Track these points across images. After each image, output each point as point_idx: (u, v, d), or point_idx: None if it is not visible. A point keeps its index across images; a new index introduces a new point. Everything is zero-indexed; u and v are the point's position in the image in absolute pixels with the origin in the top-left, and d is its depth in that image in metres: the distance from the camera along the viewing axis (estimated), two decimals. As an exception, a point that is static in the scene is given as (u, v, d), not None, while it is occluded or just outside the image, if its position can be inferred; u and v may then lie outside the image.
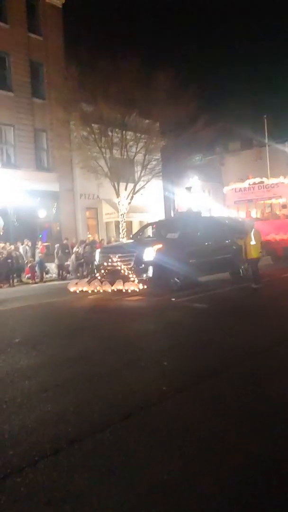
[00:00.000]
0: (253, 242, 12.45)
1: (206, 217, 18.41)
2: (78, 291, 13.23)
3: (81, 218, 28.24)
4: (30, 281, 20.22)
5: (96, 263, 14.10)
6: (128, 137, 25.54)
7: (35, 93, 25.59)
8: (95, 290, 12.78)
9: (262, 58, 75.62)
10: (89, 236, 27.34)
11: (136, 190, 25.95)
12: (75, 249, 21.44)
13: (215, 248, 14.20)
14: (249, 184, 19.30)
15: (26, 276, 20.75)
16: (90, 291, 12.89)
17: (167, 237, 14.00)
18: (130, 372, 5.58)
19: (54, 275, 22.05)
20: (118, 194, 25.58)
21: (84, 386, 5.12)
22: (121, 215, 25.79)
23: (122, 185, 25.68)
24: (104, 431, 3.89)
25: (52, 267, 22.27)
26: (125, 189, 25.79)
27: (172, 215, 27.56)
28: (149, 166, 26.48)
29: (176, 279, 12.66)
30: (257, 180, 19.11)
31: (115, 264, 12.70)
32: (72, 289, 13.47)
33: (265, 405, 4.29)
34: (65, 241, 22.91)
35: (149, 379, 5.21)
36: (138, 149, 25.91)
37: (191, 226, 14.23)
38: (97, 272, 13.45)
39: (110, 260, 12.83)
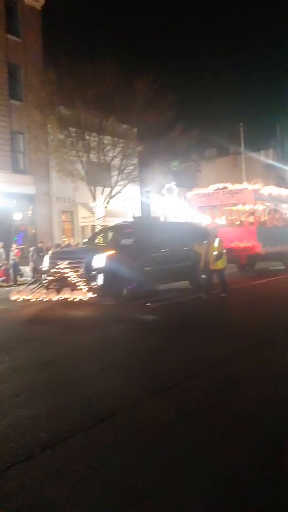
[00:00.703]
0: (215, 252, 11.96)
1: (165, 222, 17.98)
2: (20, 300, 12.16)
3: (57, 222, 28.09)
4: (4, 284, 20.01)
5: (44, 269, 13.15)
6: (105, 141, 25.56)
7: (12, 95, 25.38)
8: (39, 299, 11.82)
9: (239, 68, 76.62)
10: (65, 239, 27.21)
11: (112, 194, 25.97)
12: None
13: (174, 255, 13.51)
14: (213, 190, 18.76)
15: (0, 279, 20.52)
16: (34, 300, 11.89)
17: (121, 243, 13.46)
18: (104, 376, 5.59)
19: (28, 278, 21.86)
20: (94, 198, 25.55)
21: (56, 391, 5.10)
22: (97, 219, 25.75)
23: (99, 189, 25.66)
24: (77, 436, 3.87)
25: (27, 270, 22.08)
26: (102, 193, 25.78)
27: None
28: (126, 171, 26.53)
29: (129, 287, 11.98)
30: (221, 185, 18.52)
31: (63, 270, 11.84)
32: (13, 297, 12.33)
33: (235, 409, 4.34)
34: (40, 244, 22.74)
35: (121, 384, 5.22)
36: (115, 154, 25.95)
37: (148, 232, 13.69)
38: (43, 279, 12.46)
39: (58, 266, 11.97)
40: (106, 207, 25.88)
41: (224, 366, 5.77)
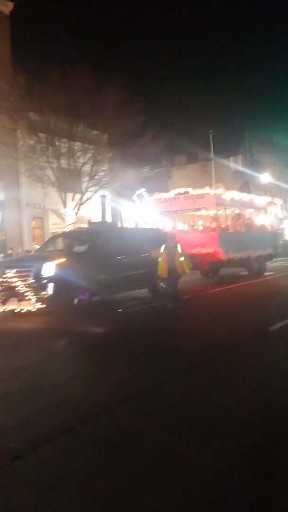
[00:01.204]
0: (182, 258, 11.32)
1: (123, 228, 17.20)
2: None
3: (27, 228, 27.81)
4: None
5: None
6: (75, 147, 25.47)
7: (-20, 100, 25.02)
8: None
9: (209, 76, 77.69)
10: (35, 246, 26.94)
11: (83, 200, 25.87)
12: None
13: (131, 263, 12.87)
14: (175, 195, 18.28)
15: None
16: None
17: (74, 250, 12.83)
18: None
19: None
20: (65, 204, 25.40)
21: (25, 399, 5.02)
22: (67, 225, 25.59)
23: (69, 196, 25.53)
24: (47, 444, 3.80)
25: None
26: (72, 199, 25.66)
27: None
28: (96, 177, 26.50)
29: (81, 297, 11.26)
30: (182, 190, 18.04)
31: (10, 280, 11.01)
32: None
33: (214, 406, 4.35)
34: (9, 251, 22.45)
35: (92, 390, 5.17)
36: (85, 160, 25.89)
37: (103, 239, 12.95)
38: None
39: (5, 275, 11.15)
40: (76, 213, 25.76)
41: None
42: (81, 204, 25.76)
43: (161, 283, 12.89)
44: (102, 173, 27.03)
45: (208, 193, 17.21)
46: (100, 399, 4.88)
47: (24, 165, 25.08)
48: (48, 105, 22.88)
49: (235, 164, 43.22)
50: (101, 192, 27.04)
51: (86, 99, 23.46)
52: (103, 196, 24.18)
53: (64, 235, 16.97)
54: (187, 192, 17.78)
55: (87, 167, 26.05)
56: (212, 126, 38.27)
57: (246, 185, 24.81)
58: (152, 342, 7.76)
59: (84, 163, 25.85)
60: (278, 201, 23.52)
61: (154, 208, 19.13)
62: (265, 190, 44.45)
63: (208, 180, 34.66)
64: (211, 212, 18.45)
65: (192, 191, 17.59)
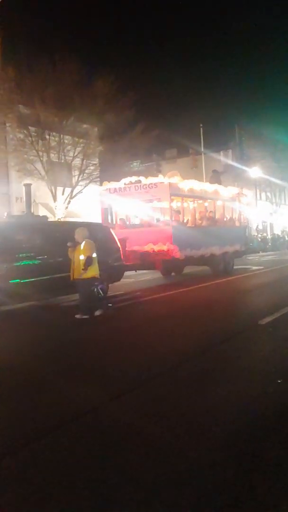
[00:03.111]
0: (82, 257, 9.49)
1: (51, 223, 14.60)
2: None
3: (17, 222, 27.64)
4: None
5: None
6: (65, 141, 25.39)
7: None
8: None
9: (199, 69, 77.50)
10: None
11: (73, 194, 25.80)
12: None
13: (55, 264, 10.69)
14: (125, 184, 16.05)
15: None
16: None
17: None
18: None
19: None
20: (55, 199, 25.31)
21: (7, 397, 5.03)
22: (57, 219, 25.51)
23: (59, 190, 25.43)
24: (38, 441, 3.85)
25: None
26: (62, 193, 25.57)
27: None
28: (86, 171, 26.44)
29: None
30: (134, 179, 15.93)
31: None
32: None
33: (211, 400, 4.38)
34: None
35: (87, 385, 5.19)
36: (75, 154, 25.82)
37: (18, 235, 10.85)
38: None
39: None
40: (67, 208, 25.68)
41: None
42: (71, 198, 25.68)
43: (98, 287, 10.78)
44: (92, 167, 26.96)
45: (161, 182, 15.23)
46: (93, 394, 4.91)
47: (14, 158, 24.93)
48: (38, 98, 22.77)
49: (225, 158, 43.24)
50: (93, 185, 26.82)
51: (76, 92, 23.39)
52: (27, 185, 21.46)
53: None
54: (139, 181, 15.70)
55: (77, 161, 25.98)
56: (202, 120, 38.23)
57: (216, 174, 22.40)
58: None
59: (74, 157, 25.78)
60: (248, 192, 21.51)
61: (103, 199, 17.08)
62: (255, 184, 44.60)
63: (198, 173, 34.68)
64: (176, 205, 16.17)
65: (144, 180, 15.61)
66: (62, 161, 25.48)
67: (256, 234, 42.05)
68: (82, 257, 9.50)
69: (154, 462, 3.40)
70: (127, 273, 14.68)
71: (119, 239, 13.42)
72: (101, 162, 27.85)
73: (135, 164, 36.78)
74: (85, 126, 25.89)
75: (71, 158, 25.74)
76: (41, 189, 25.90)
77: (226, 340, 7.07)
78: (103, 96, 24.06)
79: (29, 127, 24.17)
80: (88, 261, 9.49)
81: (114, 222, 17.04)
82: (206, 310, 10.07)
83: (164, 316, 9.61)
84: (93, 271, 9.73)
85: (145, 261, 14.94)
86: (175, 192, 15.41)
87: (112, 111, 24.45)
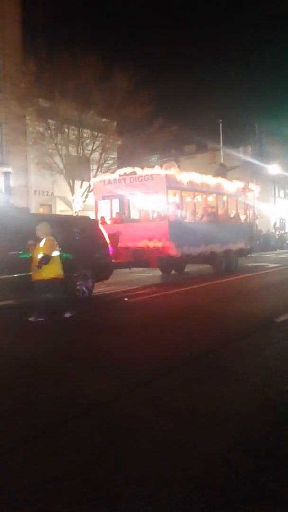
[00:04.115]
0: (40, 255, 8.64)
1: (29, 215, 13.59)
2: None
3: (35, 215, 27.85)
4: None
5: None
6: (84, 134, 25.45)
7: (-10, 85, 25.00)
8: None
9: (219, 65, 76.97)
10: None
11: (91, 188, 25.86)
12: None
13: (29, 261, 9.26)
14: (120, 175, 15.27)
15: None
16: None
17: None
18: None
19: None
20: (73, 192, 25.41)
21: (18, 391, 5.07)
22: (75, 212, 25.62)
23: (77, 183, 25.52)
24: (49, 434, 3.89)
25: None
26: (80, 187, 25.66)
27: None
28: (105, 165, 26.47)
29: None
30: (129, 170, 15.24)
31: None
32: None
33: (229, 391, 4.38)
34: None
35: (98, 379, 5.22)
36: (94, 147, 25.88)
37: None
38: None
39: None
40: (84, 201, 25.77)
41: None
42: (89, 191, 25.76)
43: (81, 286, 10.49)
44: (110, 161, 26.99)
45: (158, 174, 14.37)
46: (106, 388, 4.94)
47: (33, 151, 25.11)
48: (58, 92, 22.85)
49: (244, 155, 42.95)
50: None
51: (96, 86, 23.40)
52: (6, 173, 20.80)
53: None
54: (134, 173, 14.91)
55: (95, 155, 26.03)
56: (222, 116, 38.05)
57: (223, 168, 21.25)
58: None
59: (93, 151, 25.84)
60: (255, 187, 20.07)
61: (97, 191, 16.35)
62: (274, 181, 44.22)
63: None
64: (160, 197, 14.74)
65: (140, 171, 14.83)
66: (81, 154, 25.56)
67: (274, 231, 41.71)
68: (40, 255, 8.65)
69: (166, 458, 3.40)
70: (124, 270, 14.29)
71: (110, 234, 12.76)
72: (119, 156, 27.86)
73: (153, 159, 36.72)
74: (104, 120, 25.92)
75: (89, 152, 25.80)
76: (59, 182, 26.02)
77: (241, 337, 7.04)
78: (123, 90, 24.04)
79: (49, 121, 24.30)
80: (44, 260, 8.54)
81: (109, 216, 16.35)
82: (222, 307, 10.03)
83: (177, 312, 9.56)
84: (53, 272, 8.73)
85: (139, 258, 14.17)
86: (172, 185, 14.65)
87: (131, 106, 24.42)
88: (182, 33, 77.31)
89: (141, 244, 14.06)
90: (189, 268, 18.14)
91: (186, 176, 15.19)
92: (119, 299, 11.49)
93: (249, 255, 19.53)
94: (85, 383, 5.10)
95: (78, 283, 10.74)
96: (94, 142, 25.83)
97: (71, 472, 3.23)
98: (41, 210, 27.93)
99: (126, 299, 11.39)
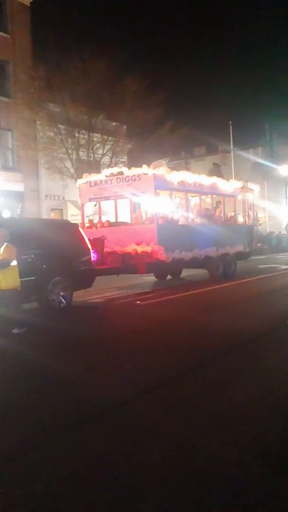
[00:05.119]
0: None
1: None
2: None
3: (46, 219, 27.99)
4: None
5: None
6: (94, 139, 25.54)
7: (0, 91, 25.18)
8: None
9: (229, 66, 76.84)
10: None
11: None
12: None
13: None
14: (106, 176, 14.50)
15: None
16: None
17: None
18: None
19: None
20: (84, 196, 25.48)
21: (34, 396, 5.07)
22: (86, 216, 25.67)
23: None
24: (66, 435, 3.90)
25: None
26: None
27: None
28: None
29: None
30: (116, 170, 14.61)
31: None
32: None
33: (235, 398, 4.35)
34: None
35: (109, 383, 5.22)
36: (104, 151, 25.95)
37: None
38: None
39: None
40: (95, 205, 25.80)
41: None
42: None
43: (56, 294, 10.01)
44: (121, 165, 27.03)
45: (145, 174, 13.48)
46: (121, 390, 4.93)
47: (44, 156, 25.25)
48: (68, 97, 22.97)
49: (254, 156, 42.81)
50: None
51: (105, 90, 23.49)
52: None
53: None
54: (121, 173, 14.15)
55: (106, 159, 26.10)
56: (232, 118, 37.93)
57: (216, 167, 19.94)
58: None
59: (103, 155, 25.91)
60: (255, 186, 18.77)
61: (83, 193, 15.50)
62: (285, 182, 43.98)
63: (227, 171, 34.43)
64: (149, 197, 13.89)
65: (127, 171, 14.06)
66: (91, 158, 25.65)
67: (285, 233, 41.46)
68: None
69: (180, 460, 3.39)
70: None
71: (95, 239, 12.35)
72: (129, 159, 27.92)
73: (163, 161, 36.79)
74: (114, 124, 26.00)
75: (100, 156, 25.88)
76: (70, 187, 26.13)
77: (253, 339, 7.01)
78: (132, 94, 24.08)
79: (59, 125, 24.43)
80: (3, 264, 7.98)
81: (97, 220, 15.65)
82: (232, 309, 9.98)
83: (189, 315, 9.52)
84: (11, 282, 8.09)
85: (127, 264, 13.26)
86: (161, 185, 13.75)
87: (141, 109, 24.46)
88: (191, 35, 77.33)
89: (129, 248, 13.26)
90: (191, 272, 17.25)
91: (177, 176, 14.34)
92: (152, 298, 11.46)
93: (248, 259, 18.44)
94: (95, 388, 5.10)
95: (55, 291, 10.01)
96: (104, 146, 25.91)
97: (85, 473, 3.23)
98: (52, 215, 28.07)
99: (139, 302, 11.37)
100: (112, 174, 14.39)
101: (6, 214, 24.37)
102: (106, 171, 14.88)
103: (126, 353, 6.62)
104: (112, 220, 15.45)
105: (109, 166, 26.20)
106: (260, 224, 37.67)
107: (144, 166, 13.84)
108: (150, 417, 4.20)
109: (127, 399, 4.68)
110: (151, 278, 16.38)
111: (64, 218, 28.45)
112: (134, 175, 13.72)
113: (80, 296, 11.58)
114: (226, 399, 4.58)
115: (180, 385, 5.11)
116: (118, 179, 14.06)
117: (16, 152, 25.91)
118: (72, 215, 28.24)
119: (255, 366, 5.66)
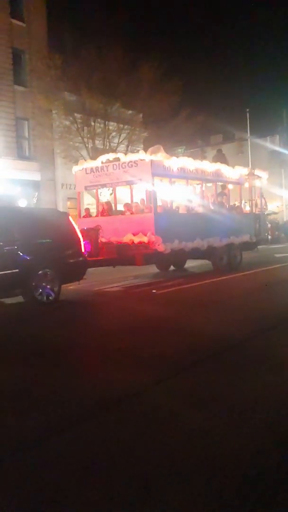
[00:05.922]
0: None
1: None
2: None
3: (62, 208, 28.05)
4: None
5: None
6: (110, 127, 25.49)
7: (17, 80, 25.19)
8: None
9: (245, 53, 75.82)
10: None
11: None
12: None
13: None
14: (102, 162, 13.96)
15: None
16: None
17: None
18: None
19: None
20: (99, 185, 25.50)
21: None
22: (100, 204, 25.70)
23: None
24: (82, 424, 3.93)
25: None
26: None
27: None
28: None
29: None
30: (112, 156, 14.07)
31: None
32: None
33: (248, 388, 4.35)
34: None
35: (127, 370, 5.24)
36: (120, 140, 25.89)
37: None
38: None
39: None
40: (111, 194, 25.80)
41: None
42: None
43: (44, 288, 9.56)
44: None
45: (142, 160, 12.87)
46: (137, 379, 4.95)
47: (60, 145, 25.28)
48: (83, 85, 22.91)
49: (272, 144, 42.33)
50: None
51: (121, 78, 23.38)
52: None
53: None
54: (117, 159, 13.62)
55: (122, 147, 26.03)
56: (249, 105, 37.47)
57: (220, 154, 19.30)
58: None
59: (119, 143, 25.84)
60: (263, 173, 17.76)
61: (79, 181, 14.92)
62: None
63: (244, 160, 34.12)
64: (146, 185, 13.27)
65: (124, 158, 13.57)
66: (107, 147, 25.59)
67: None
68: None
69: (196, 449, 3.40)
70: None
71: (89, 229, 11.97)
72: (145, 148, 27.80)
73: (179, 150, 36.56)
74: (130, 112, 25.88)
75: (116, 144, 25.81)
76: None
77: (271, 328, 6.98)
78: (148, 82, 23.92)
79: (75, 114, 24.40)
80: None
81: (95, 208, 14.91)
82: (247, 299, 9.92)
83: (206, 303, 9.51)
84: None
85: (123, 255, 12.71)
86: (159, 172, 13.06)
87: (157, 97, 24.30)
88: (207, 22, 76.39)
89: (126, 239, 12.77)
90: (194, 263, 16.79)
91: (177, 162, 13.68)
92: (167, 287, 11.45)
93: (255, 249, 17.69)
94: (112, 375, 5.13)
95: (43, 284, 9.57)
96: (120, 135, 25.84)
97: (102, 462, 3.26)
98: (68, 204, 28.15)
99: (154, 291, 11.36)
100: (108, 161, 13.88)
101: (23, 203, 24.50)
102: (102, 157, 14.25)
103: (143, 342, 6.63)
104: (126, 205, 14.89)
105: (125, 154, 26.15)
106: (277, 213, 37.42)
107: (141, 151, 13.35)
108: (166, 405, 4.21)
109: (143, 387, 4.69)
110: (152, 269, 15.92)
111: (81, 207, 28.55)
112: (130, 161, 13.18)
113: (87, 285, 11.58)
114: (242, 387, 4.57)
115: (195, 373, 5.11)
116: (115, 166, 13.55)
117: (33, 142, 26.00)
118: (88, 204, 28.31)
119: (272, 354, 5.64)
